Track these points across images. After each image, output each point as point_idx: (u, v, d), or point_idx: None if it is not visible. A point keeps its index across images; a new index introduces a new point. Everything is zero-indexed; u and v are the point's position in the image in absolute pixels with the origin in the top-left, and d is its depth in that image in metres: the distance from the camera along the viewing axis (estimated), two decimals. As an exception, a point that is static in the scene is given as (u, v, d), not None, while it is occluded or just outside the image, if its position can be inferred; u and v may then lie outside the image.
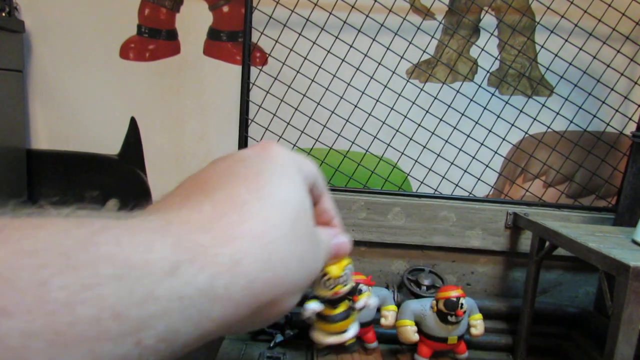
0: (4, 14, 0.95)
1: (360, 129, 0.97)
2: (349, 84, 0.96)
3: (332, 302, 0.67)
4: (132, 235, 0.17)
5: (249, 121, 0.96)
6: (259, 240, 0.20)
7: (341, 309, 0.67)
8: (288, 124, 0.97)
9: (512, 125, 0.96)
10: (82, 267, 0.15)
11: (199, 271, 0.18)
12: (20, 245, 0.15)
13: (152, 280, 0.16)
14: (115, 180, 1.08)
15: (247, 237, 0.20)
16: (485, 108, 0.96)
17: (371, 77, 0.95)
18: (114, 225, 0.17)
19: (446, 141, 0.97)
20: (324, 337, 0.68)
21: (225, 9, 1.01)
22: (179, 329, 0.17)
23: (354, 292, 0.78)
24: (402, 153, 0.98)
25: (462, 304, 0.76)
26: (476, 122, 0.96)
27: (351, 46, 0.94)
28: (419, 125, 0.97)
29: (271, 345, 0.82)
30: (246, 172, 0.23)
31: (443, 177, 0.98)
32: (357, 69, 0.95)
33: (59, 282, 0.15)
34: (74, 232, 0.16)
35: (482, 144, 0.97)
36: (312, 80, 0.95)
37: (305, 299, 0.70)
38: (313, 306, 0.67)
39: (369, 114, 0.96)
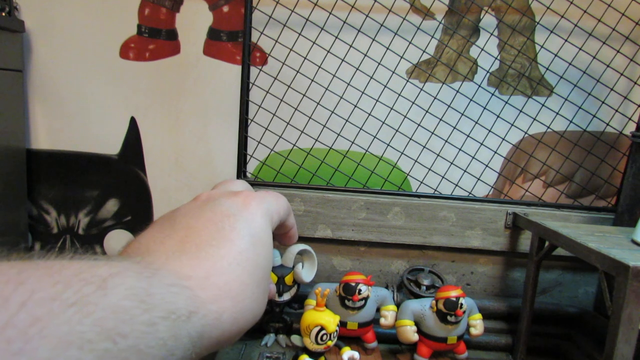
0: (4, 14, 0.95)
1: (360, 128, 0.97)
2: (348, 84, 0.96)
3: (314, 355, 0.70)
4: (158, 287, 0.21)
5: (249, 121, 0.96)
6: (235, 299, 0.25)
7: None
8: (288, 123, 0.97)
9: (512, 125, 0.96)
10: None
11: (200, 319, 0.23)
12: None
13: (176, 325, 0.21)
14: (115, 180, 1.08)
15: (228, 297, 0.25)
16: (485, 108, 0.96)
17: (371, 77, 0.95)
18: (132, 276, 0.20)
19: (446, 141, 0.97)
20: None
21: (225, 8, 1.01)
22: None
23: (354, 292, 0.78)
24: (402, 153, 0.98)
25: (461, 304, 0.76)
26: (476, 122, 0.96)
27: (351, 46, 0.94)
28: (419, 125, 0.97)
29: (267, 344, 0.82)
30: (231, 233, 0.28)
31: (443, 177, 0.98)
32: (357, 69, 0.95)
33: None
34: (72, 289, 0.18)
35: (481, 144, 0.97)
36: (312, 80, 0.95)
37: (296, 355, 0.74)
38: None
39: (369, 114, 0.96)
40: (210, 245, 0.27)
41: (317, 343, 0.70)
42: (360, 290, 0.78)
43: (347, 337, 0.81)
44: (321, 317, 0.71)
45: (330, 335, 0.70)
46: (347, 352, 0.75)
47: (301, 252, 0.83)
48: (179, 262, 0.25)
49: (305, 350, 0.72)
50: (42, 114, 1.05)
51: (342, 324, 0.78)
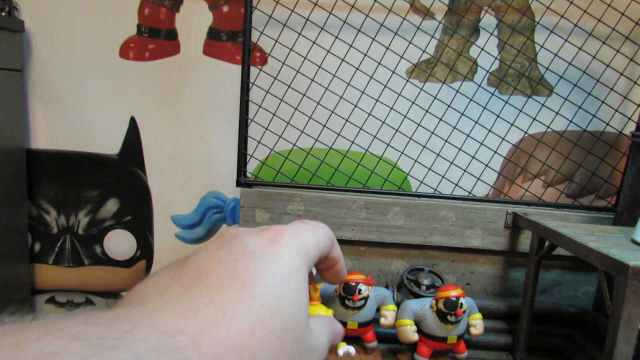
0: (3, 14, 0.95)
1: (360, 128, 0.97)
2: (348, 84, 0.96)
3: None
4: (126, 352, 0.18)
5: (249, 121, 0.96)
6: (242, 356, 0.21)
7: None
8: (288, 123, 0.97)
9: (512, 125, 0.96)
10: None
11: None
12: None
13: None
14: (115, 179, 1.08)
15: (233, 353, 0.20)
16: (485, 108, 0.96)
17: (371, 77, 0.95)
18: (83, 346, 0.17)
19: (446, 141, 0.97)
20: None
21: (225, 8, 1.01)
22: None
23: (354, 292, 0.78)
24: (402, 153, 0.98)
25: (461, 304, 0.76)
26: (476, 122, 0.96)
27: (351, 46, 0.94)
28: (419, 125, 0.97)
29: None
30: (245, 274, 0.23)
31: (443, 177, 0.98)
32: (357, 69, 0.95)
33: None
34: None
35: (481, 144, 0.97)
36: (312, 80, 0.95)
37: None
38: None
39: (369, 114, 0.96)
40: (217, 289, 0.22)
41: None
42: (360, 290, 0.78)
43: (347, 337, 0.81)
44: (315, 312, 0.70)
45: None
46: (343, 347, 0.74)
47: None
48: (172, 313, 0.20)
49: None
50: (42, 114, 1.05)
51: (342, 324, 0.78)
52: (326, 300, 0.82)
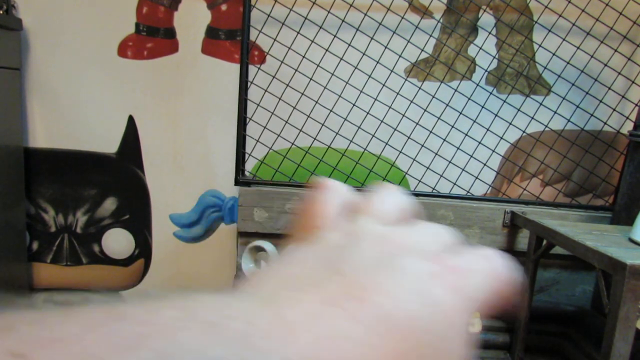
0: (1, 12, 0.95)
1: (359, 127, 0.97)
2: (347, 83, 0.96)
3: None
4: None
5: (248, 120, 0.96)
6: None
7: None
8: (286, 122, 0.97)
9: (510, 124, 0.97)
10: None
11: None
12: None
13: None
14: (113, 178, 1.07)
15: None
16: (483, 107, 0.97)
17: (369, 76, 0.95)
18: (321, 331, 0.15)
19: (444, 140, 0.97)
20: None
21: (224, 7, 1.01)
22: None
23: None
24: (400, 152, 0.98)
25: (459, 302, 0.76)
26: (474, 121, 0.97)
27: (349, 45, 0.94)
28: (417, 124, 0.97)
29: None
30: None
31: (441, 176, 0.98)
32: (356, 68, 0.95)
33: None
34: None
35: (480, 143, 0.97)
36: (311, 79, 0.95)
37: None
38: None
39: (367, 113, 0.96)
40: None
41: None
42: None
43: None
44: None
45: None
46: None
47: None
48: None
49: None
50: (40, 113, 1.05)
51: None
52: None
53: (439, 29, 0.98)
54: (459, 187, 0.98)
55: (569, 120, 0.97)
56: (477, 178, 0.98)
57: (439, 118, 0.97)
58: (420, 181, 0.99)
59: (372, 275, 0.18)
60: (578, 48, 0.93)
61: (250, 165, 1.01)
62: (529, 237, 0.84)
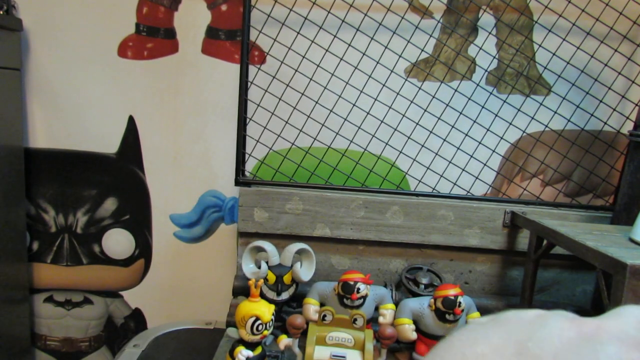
0: (1, 12, 0.95)
1: (359, 127, 0.97)
2: (347, 83, 0.96)
3: (249, 345, 0.71)
4: None
5: (248, 120, 0.96)
6: None
7: (258, 351, 0.72)
8: (286, 122, 0.97)
9: (510, 124, 0.97)
10: None
11: None
12: None
13: None
14: (113, 178, 1.07)
15: None
16: (483, 107, 0.97)
17: (369, 76, 0.95)
18: None
19: (444, 140, 0.97)
20: None
21: (224, 7, 1.01)
22: None
23: (352, 291, 0.78)
24: (401, 152, 0.98)
25: (460, 303, 0.76)
26: (474, 121, 0.97)
27: (349, 45, 0.94)
28: (417, 124, 0.97)
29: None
30: None
31: (441, 176, 0.98)
32: (356, 68, 0.95)
33: None
34: None
35: (480, 143, 0.97)
36: (311, 79, 0.95)
37: (232, 347, 0.73)
38: (246, 353, 0.71)
39: (368, 113, 0.96)
40: None
41: (253, 333, 0.69)
42: (358, 288, 0.78)
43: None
44: (256, 308, 0.70)
45: (265, 324, 0.70)
46: (284, 340, 0.75)
47: (299, 251, 0.83)
48: None
49: (242, 341, 0.72)
50: (40, 113, 1.05)
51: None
52: (325, 299, 0.83)
53: (439, 29, 0.98)
54: (459, 187, 0.98)
55: (569, 120, 0.97)
56: (477, 178, 0.98)
57: (439, 118, 0.97)
58: (420, 181, 0.99)
59: None
60: (578, 48, 0.93)
61: (250, 165, 1.01)
62: (529, 237, 0.84)
